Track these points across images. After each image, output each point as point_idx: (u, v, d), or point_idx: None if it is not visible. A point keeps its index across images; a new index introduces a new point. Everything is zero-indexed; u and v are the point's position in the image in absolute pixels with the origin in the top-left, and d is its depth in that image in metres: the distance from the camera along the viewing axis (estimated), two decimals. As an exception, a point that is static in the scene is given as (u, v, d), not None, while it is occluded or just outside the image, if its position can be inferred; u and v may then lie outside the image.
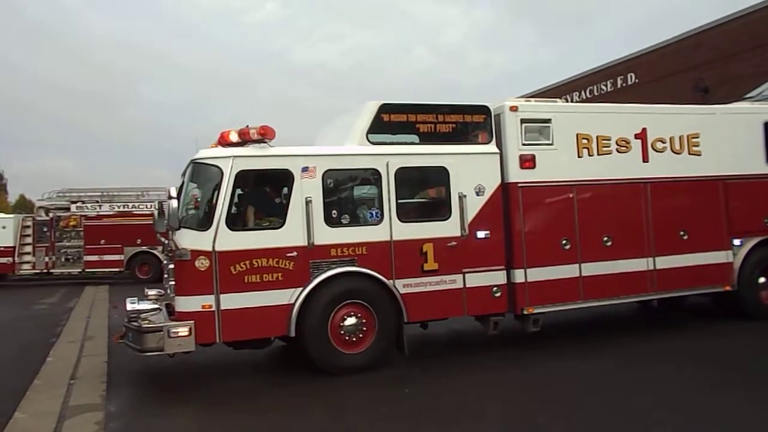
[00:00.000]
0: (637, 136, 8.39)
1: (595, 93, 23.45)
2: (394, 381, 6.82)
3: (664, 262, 8.34)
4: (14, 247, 22.06)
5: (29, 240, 22.27)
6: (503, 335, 8.01)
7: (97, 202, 22.75)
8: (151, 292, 7.42)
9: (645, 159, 8.41)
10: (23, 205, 44.74)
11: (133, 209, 22.43)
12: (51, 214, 22.51)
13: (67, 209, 22.48)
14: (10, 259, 21.99)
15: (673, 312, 9.84)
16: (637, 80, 21.92)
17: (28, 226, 22.43)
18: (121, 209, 22.48)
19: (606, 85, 23.08)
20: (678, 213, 8.51)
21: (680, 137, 8.60)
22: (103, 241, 21.87)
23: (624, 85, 22.39)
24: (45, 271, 22.31)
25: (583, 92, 23.96)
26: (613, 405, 5.68)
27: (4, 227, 22.14)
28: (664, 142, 8.52)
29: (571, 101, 21.80)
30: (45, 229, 22.30)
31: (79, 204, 22.56)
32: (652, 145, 8.44)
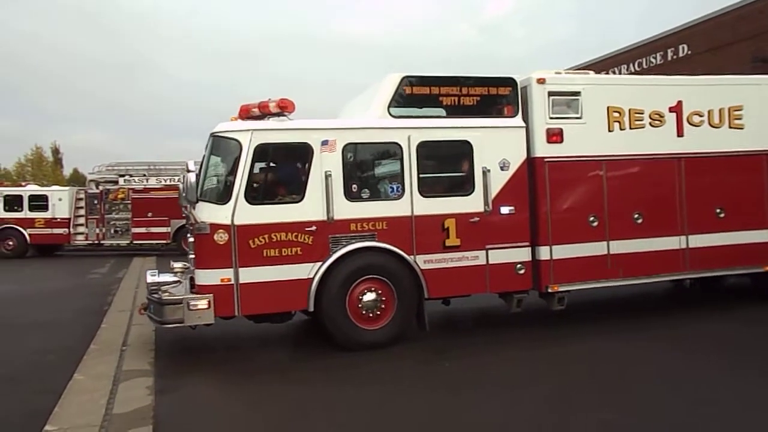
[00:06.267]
0: (671, 110, 8.02)
1: (644, 66, 22.49)
2: (421, 355, 6.83)
3: (698, 240, 8.01)
4: (69, 219, 23.00)
5: (82, 212, 23.15)
6: (527, 313, 7.89)
7: (144, 175, 23.38)
8: (177, 265, 7.57)
9: (680, 133, 8.05)
10: (77, 179, 46.26)
11: (179, 183, 22.84)
12: (101, 187, 23.30)
13: (116, 182, 23.23)
14: (66, 230, 22.96)
15: (709, 292, 9.45)
16: (689, 52, 20.89)
17: (81, 199, 23.29)
18: (167, 183, 23.02)
19: (655, 58, 22.09)
20: (714, 190, 8.14)
21: (720, 110, 8.19)
22: (150, 214, 22.48)
23: (675, 57, 21.39)
24: (96, 242, 23.22)
25: (630, 66, 23.01)
26: (645, 386, 5.54)
27: (60, 199, 23.11)
28: (701, 116, 8.12)
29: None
30: (95, 202, 23.12)
31: (126, 177, 23.25)
32: (687, 119, 8.06)
